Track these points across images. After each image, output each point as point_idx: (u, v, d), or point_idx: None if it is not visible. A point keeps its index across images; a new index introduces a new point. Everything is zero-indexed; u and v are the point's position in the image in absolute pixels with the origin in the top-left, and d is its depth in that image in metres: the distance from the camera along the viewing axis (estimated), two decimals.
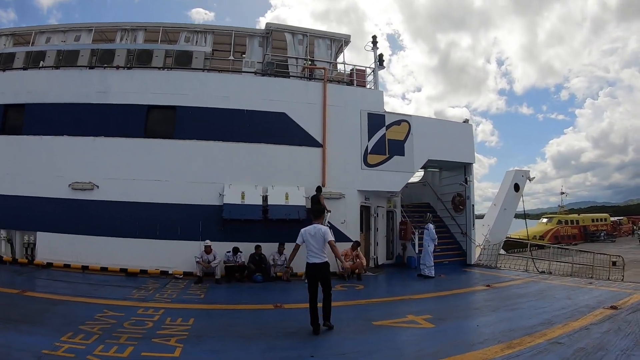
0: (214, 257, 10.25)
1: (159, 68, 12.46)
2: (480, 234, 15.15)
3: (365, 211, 13.45)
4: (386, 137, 13.12)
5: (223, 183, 11.37)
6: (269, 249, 11.09)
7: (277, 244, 11.09)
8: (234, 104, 11.91)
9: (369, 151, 12.86)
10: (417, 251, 13.49)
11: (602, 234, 43.54)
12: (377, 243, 13.95)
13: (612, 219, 47.98)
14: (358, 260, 11.33)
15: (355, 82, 13.69)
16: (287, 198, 11.54)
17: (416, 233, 13.73)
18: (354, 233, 12.40)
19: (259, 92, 12.22)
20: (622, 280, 15.72)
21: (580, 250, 16.28)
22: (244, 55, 13.95)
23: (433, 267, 11.60)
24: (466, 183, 14.77)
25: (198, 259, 10.18)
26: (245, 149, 11.82)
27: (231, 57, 13.46)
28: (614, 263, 16.85)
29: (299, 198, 11.64)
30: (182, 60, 12.75)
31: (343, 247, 11.45)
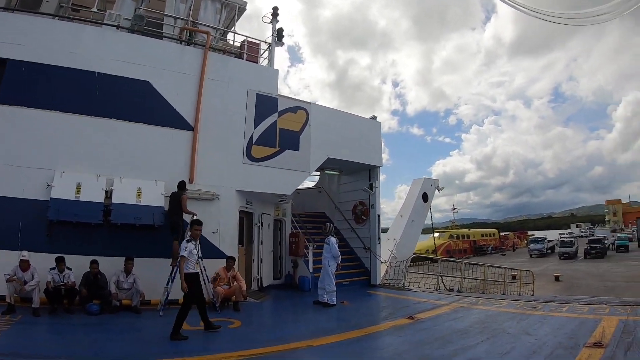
0: (32, 277, 7.51)
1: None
2: (385, 249, 13.54)
3: (246, 218, 11.04)
4: (277, 125, 10.85)
5: (54, 169, 8.49)
6: (111, 265, 8.27)
7: (124, 259, 8.29)
8: (81, 64, 9.03)
9: (254, 141, 10.44)
10: (311, 270, 11.47)
11: (490, 248, 48.33)
12: (262, 260, 11.55)
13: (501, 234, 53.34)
14: (235, 283, 8.78)
15: (245, 56, 11.23)
16: (139, 195, 8.86)
17: (310, 247, 11.66)
18: (231, 246, 9.82)
19: (118, 51, 9.47)
20: (533, 294, 15.82)
21: (491, 266, 15.69)
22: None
23: (335, 293, 9.44)
24: (371, 189, 12.99)
25: (9, 276, 7.32)
26: (88, 124, 8.97)
27: (94, 9, 10.23)
28: (513, 277, 17.36)
29: (156, 196, 9.01)
30: (29, 3, 10.03)
31: (216, 264, 8.93)
